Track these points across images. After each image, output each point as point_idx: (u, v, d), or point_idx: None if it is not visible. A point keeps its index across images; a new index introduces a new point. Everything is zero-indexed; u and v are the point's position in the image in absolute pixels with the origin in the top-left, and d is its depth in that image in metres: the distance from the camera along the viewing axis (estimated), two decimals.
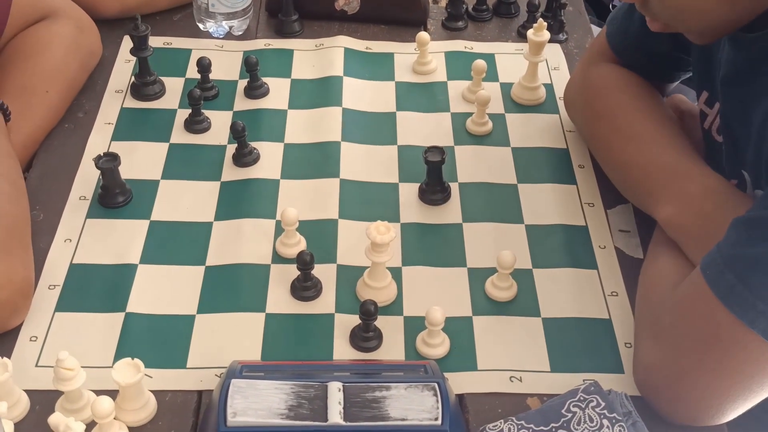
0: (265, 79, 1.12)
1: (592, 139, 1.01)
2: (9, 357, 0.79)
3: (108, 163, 0.93)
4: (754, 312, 0.68)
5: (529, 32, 1.09)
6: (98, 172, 0.96)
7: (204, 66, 1.08)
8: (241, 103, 1.10)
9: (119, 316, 0.84)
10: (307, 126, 1.07)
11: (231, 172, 1.00)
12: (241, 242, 0.92)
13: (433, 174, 0.97)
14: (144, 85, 1.10)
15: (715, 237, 0.73)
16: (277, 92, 1.12)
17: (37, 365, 0.80)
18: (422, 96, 1.13)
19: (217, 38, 1.20)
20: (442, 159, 0.95)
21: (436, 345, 0.82)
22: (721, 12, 0.75)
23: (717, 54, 0.84)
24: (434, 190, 0.97)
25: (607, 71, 0.99)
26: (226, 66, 1.15)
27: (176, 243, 0.92)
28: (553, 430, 0.73)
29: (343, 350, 0.83)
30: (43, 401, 0.77)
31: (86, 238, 0.92)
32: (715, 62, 0.85)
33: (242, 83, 1.12)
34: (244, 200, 0.97)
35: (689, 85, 1.11)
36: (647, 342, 0.78)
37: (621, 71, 0.98)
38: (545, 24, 1.08)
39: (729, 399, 0.73)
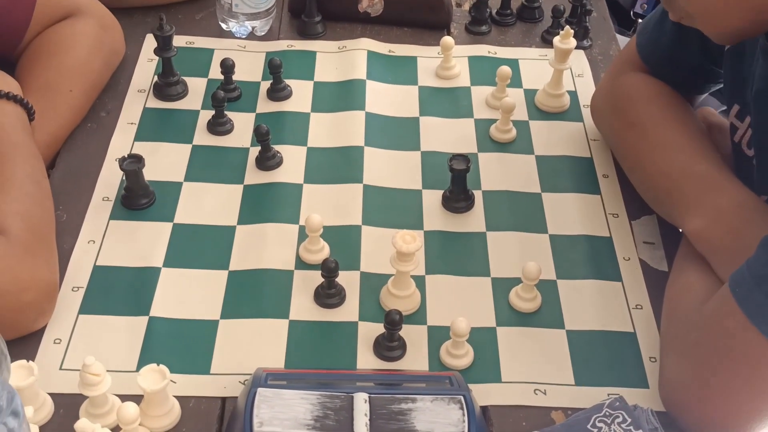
0: (287, 81, 1.12)
1: (620, 148, 1.00)
2: (33, 359, 0.79)
3: (132, 165, 0.93)
4: None
5: (556, 39, 1.08)
6: (121, 172, 0.96)
7: (227, 67, 1.08)
8: (264, 105, 1.10)
9: (143, 320, 0.84)
10: (330, 130, 1.07)
11: (254, 176, 1.00)
12: (265, 247, 0.92)
13: (457, 182, 0.96)
14: (167, 85, 1.09)
15: (744, 253, 0.73)
16: (300, 94, 1.11)
17: (61, 368, 0.80)
18: (446, 101, 1.12)
19: (240, 38, 1.20)
20: (467, 167, 0.95)
21: (460, 356, 0.82)
22: (742, 21, 0.76)
23: (750, 67, 0.84)
24: (458, 198, 0.97)
25: (638, 80, 0.98)
26: (249, 67, 1.15)
27: (199, 246, 0.92)
28: None
29: (366, 359, 0.82)
30: (67, 405, 0.77)
31: (110, 240, 0.92)
32: (748, 75, 0.84)
33: (265, 85, 1.12)
34: (267, 204, 0.97)
35: (717, 97, 1.11)
36: (673, 358, 0.78)
37: (651, 81, 0.98)
38: (572, 31, 1.07)
39: (756, 418, 0.73)
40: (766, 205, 0.83)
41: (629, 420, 0.74)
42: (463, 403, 0.71)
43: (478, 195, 0.99)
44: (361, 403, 0.70)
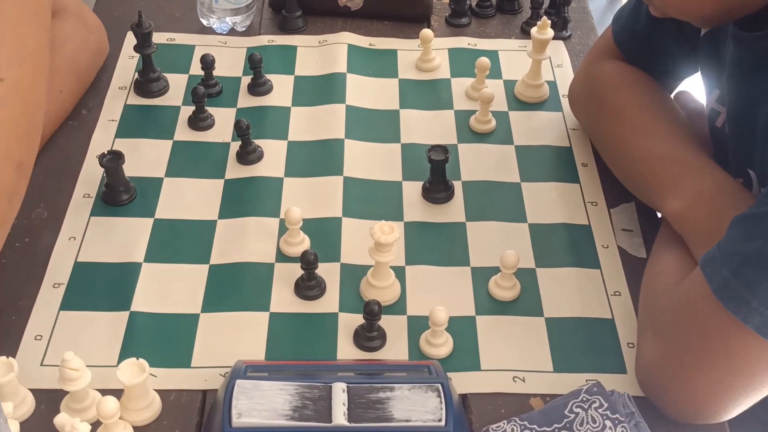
0: (268, 76, 1.12)
1: (598, 135, 1.01)
2: (14, 356, 0.80)
3: (112, 161, 0.94)
4: (748, 308, 0.68)
5: (533, 30, 1.09)
6: (102, 169, 0.96)
7: (207, 63, 1.08)
8: (245, 100, 1.10)
9: (124, 315, 0.84)
10: (310, 123, 1.07)
11: (235, 170, 1.00)
12: (245, 241, 0.92)
13: (436, 173, 0.97)
14: (148, 81, 1.10)
15: (722, 235, 0.73)
16: (281, 89, 1.12)
17: (42, 364, 0.80)
18: (425, 93, 1.13)
19: (221, 34, 1.20)
20: (446, 158, 0.95)
21: (439, 345, 0.82)
22: (708, 8, 0.76)
23: (725, 53, 0.84)
24: (438, 189, 0.97)
25: (614, 68, 0.99)
26: (230, 62, 1.15)
27: (180, 241, 0.92)
28: (556, 430, 0.74)
29: (346, 349, 0.83)
30: (48, 400, 0.77)
31: (90, 236, 0.92)
32: (724, 61, 0.85)
33: (246, 80, 1.12)
34: (247, 198, 0.97)
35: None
36: (649, 340, 0.78)
37: (628, 68, 0.98)
38: (549, 22, 1.08)
39: (731, 397, 0.74)
40: (744, 188, 0.83)
41: (606, 405, 0.75)
42: (440, 391, 0.72)
43: (457, 185, 1.00)
44: (339, 392, 0.71)
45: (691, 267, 0.79)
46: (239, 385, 0.71)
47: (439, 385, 0.72)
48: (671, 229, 0.86)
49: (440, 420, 0.69)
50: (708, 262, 0.72)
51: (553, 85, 1.14)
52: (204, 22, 1.21)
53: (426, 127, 1.08)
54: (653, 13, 0.84)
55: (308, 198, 0.97)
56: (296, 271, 0.88)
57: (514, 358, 0.83)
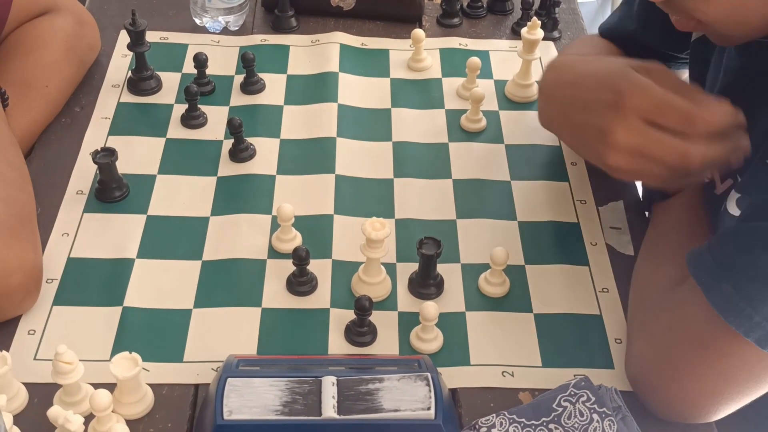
0: (261, 75, 1.13)
1: None
2: (7, 350, 0.80)
3: (105, 158, 0.94)
4: (750, 323, 0.69)
5: (523, 30, 1.10)
6: (95, 166, 0.97)
7: (200, 61, 1.09)
8: (238, 99, 1.11)
9: (116, 310, 0.85)
10: (302, 122, 1.08)
11: (227, 168, 1.01)
12: (238, 237, 0.93)
13: (426, 267, 0.87)
14: (141, 80, 1.10)
15: None
16: (273, 88, 1.13)
17: (35, 358, 0.81)
18: (417, 92, 1.14)
19: (214, 33, 1.21)
20: (437, 253, 0.86)
21: (429, 340, 0.83)
22: (761, 22, 0.72)
23: (718, 59, 0.84)
24: (426, 284, 0.88)
25: (582, 40, 1.00)
26: (223, 61, 1.16)
27: (173, 238, 0.93)
28: (544, 424, 0.75)
29: (337, 345, 0.84)
30: (42, 394, 0.77)
31: (83, 233, 0.93)
32: (715, 66, 0.85)
33: (238, 78, 1.13)
34: (240, 196, 0.98)
35: None
36: (642, 340, 0.79)
37: (602, 42, 1.00)
38: (539, 22, 1.09)
39: (721, 401, 0.75)
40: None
41: (593, 399, 0.75)
42: (429, 380, 0.72)
43: (448, 183, 1.00)
44: (328, 386, 0.71)
45: (683, 268, 0.79)
46: (230, 383, 0.71)
47: (428, 374, 0.73)
48: (660, 227, 0.87)
49: (429, 408, 0.70)
50: (703, 272, 0.72)
51: None
52: (197, 21, 1.21)
53: (417, 126, 1.09)
54: (679, 28, 0.77)
55: (300, 195, 0.98)
56: (288, 267, 0.88)
57: (503, 354, 0.84)
